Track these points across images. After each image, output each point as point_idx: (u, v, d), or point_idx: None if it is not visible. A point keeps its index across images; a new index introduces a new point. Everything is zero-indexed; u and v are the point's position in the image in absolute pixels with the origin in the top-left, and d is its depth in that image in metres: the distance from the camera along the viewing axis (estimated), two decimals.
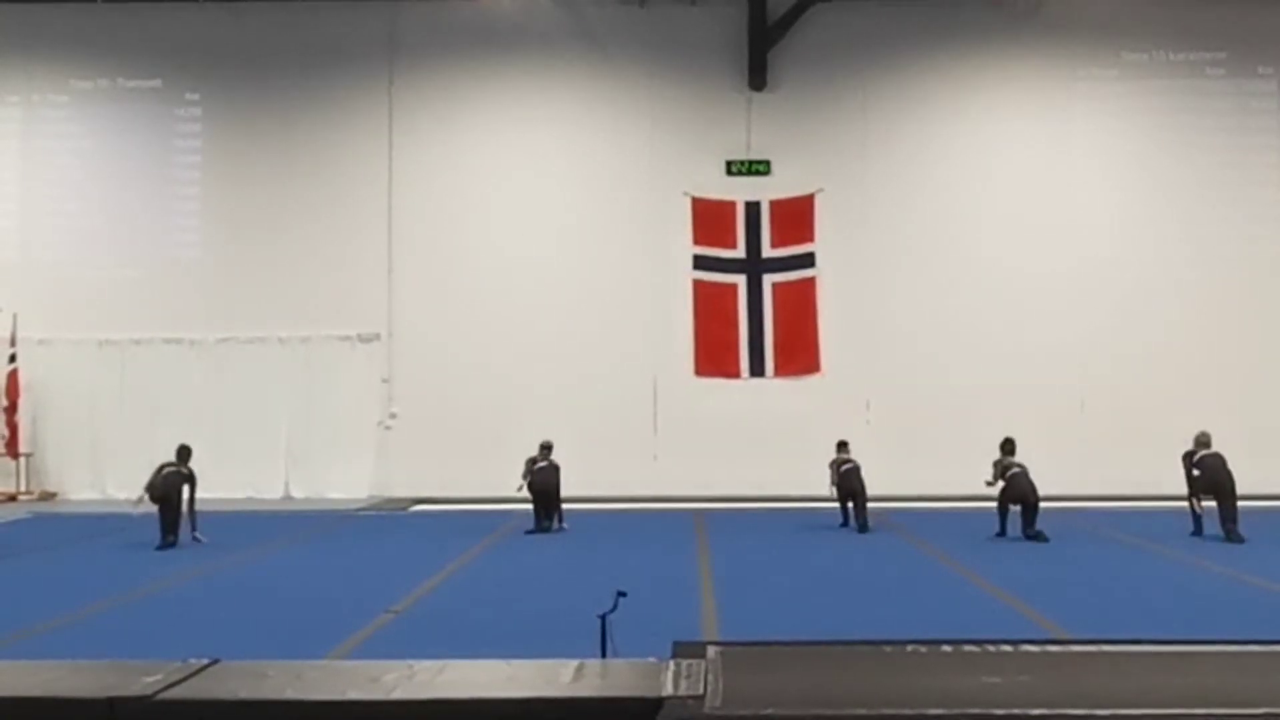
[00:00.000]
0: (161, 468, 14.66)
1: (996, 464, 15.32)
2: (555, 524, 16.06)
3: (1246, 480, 16.12)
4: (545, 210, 20.72)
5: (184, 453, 14.90)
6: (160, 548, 14.23)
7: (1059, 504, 16.46)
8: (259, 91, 20.99)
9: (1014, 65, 20.76)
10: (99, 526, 15.82)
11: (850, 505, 16.09)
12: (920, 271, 20.49)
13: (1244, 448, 16.34)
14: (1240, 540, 14.38)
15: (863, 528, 15.81)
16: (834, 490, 16.31)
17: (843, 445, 16.70)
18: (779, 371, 20.25)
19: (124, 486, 18.32)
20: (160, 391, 20.08)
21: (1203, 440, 15.62)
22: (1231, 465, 15.84)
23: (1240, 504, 15.90)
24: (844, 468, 16.29)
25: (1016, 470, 15.14)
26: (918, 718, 4.90)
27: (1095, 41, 20.66)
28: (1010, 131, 20.72)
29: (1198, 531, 15.04)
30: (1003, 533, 15.08)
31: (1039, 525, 14.77)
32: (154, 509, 14.42)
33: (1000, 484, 15.13)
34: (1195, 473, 15.32)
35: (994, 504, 15.70)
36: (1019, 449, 15.36)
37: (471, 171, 20.77)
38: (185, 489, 14.51)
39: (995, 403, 19.12)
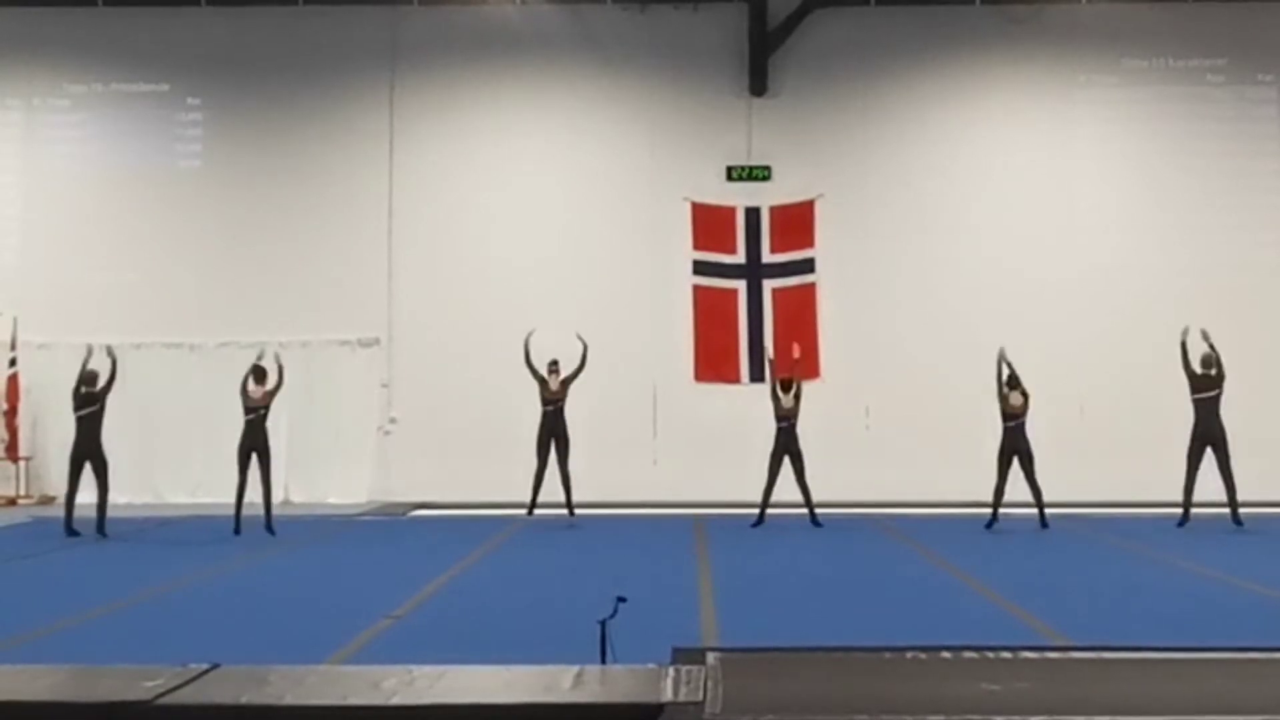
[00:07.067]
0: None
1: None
2: None
3: (1248, 485, 16.19)
4: (545, 215, 20.74)
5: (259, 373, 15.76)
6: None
7: (1059, 509, 16.51)
8: (260, 96, 21.00)
9: (1015, 72, 20.77)
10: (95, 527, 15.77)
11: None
12: (920, 277, 20.49)
13: (1246, 452, 16.38)
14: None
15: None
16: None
17: None
18: (778, 374, 20.21)
19: (123, 490, 18.30)
20: (160, 395, 20.05)
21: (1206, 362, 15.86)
22: (1234, 468, 15.92)
23: (1243, 510, 15.97)
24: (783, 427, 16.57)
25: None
26: None
27: (1096, 48, 20.67)
28: (1011, 138, 20.73)
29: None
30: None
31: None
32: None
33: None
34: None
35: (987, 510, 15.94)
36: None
37: (472, 176, 20.78)
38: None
39: (995, 408, 19.09)
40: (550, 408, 16.94)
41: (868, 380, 19.96)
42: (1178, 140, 20.64)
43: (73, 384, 15.72)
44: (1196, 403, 15.88)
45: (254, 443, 15.58)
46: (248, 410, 15.64)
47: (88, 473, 15.61)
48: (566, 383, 16.98)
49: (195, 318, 20.43)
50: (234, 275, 20.66)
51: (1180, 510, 15.92)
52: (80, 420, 15.57)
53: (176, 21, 20.94)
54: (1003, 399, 15.97)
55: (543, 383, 17.00)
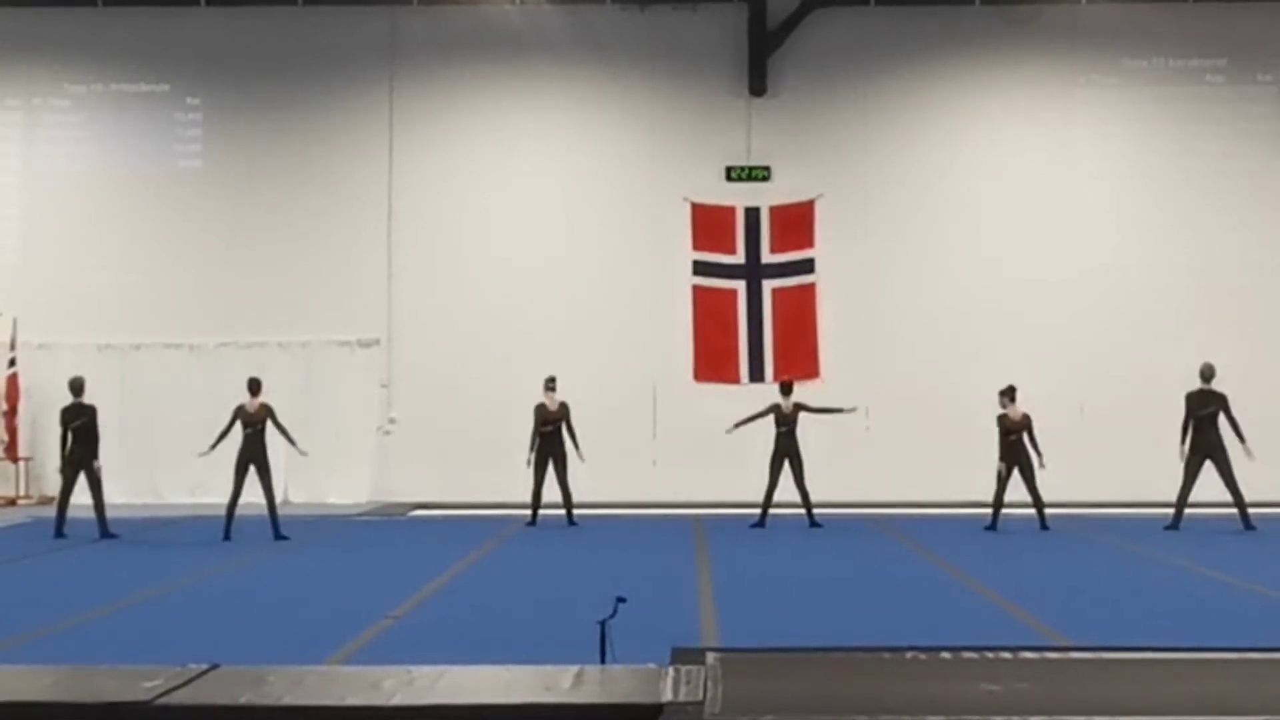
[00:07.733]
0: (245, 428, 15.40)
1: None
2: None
3: (1250, 488, 16.17)
4: (545, 215, 20.73)
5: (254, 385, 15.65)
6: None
7: (1059, 509, 16.51)
8: (260, 97, 20.99)
9: (1014, 72, 20.76)
10: (98, 531, 15.78)
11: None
12: (920, 278, 20.49)
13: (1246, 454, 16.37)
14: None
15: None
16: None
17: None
18: (778, 377, 20.24)
19: (123, 491, 18.34)
20: (160, 396, 20.06)
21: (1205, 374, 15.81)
22: (1235, 471, 15.89)
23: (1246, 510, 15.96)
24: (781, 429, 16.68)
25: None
26: None
27: (1095, 48, 20.66)
28: (1010, 138, 20.72)
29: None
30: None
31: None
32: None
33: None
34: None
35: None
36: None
37: (471, 176, 20.77)
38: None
39: (995, 409, 19.10)
40: (549, 428, 16.89)
41: (868, 380, 19.93)
42: (1178, 140, 20.62)
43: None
44: (1197, 418, 15.88)
45: (252, 456, 15.56)
46: (246, 425, 15.62)
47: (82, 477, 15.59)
48: (564, 406, 16.95)
49: (195, 318, 20.44)
50: (234, 275, 20.65)
51: (1172, 513, 15.94)
52: (75, 431, 15.56)
53: (176, 21, 20.94)
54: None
55: (540, 406, 16.98)
